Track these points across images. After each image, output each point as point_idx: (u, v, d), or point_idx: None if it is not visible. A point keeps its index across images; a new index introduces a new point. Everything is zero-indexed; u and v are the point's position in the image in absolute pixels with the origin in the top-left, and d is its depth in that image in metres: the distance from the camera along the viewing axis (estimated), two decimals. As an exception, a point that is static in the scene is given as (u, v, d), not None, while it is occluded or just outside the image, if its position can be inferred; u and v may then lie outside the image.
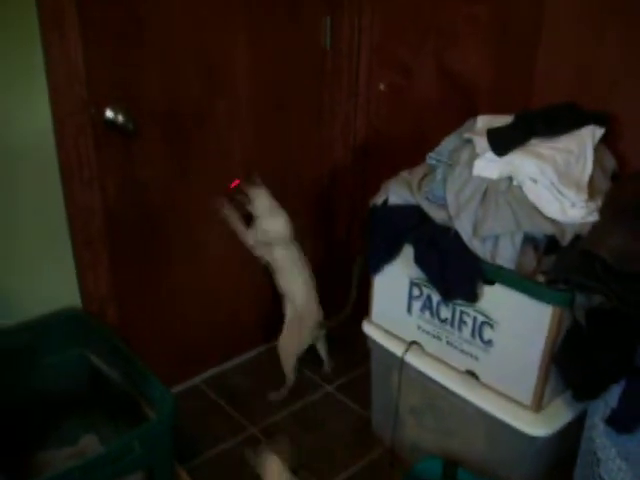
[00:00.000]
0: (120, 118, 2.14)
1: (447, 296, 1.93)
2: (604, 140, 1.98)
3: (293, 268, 2.61)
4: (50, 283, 2.23)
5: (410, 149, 2.27)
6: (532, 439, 1.88)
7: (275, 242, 2.56)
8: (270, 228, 2.55)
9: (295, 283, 2.62)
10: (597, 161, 1.92)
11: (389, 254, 2.08)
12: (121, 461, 1.80)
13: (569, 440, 1.92)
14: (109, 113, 2.14)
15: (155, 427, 1.87)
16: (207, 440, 2.47)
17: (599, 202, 1.84)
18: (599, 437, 1.72)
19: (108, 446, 1.86)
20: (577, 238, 1.77)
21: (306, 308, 2.64)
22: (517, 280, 1.78)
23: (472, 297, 1.88)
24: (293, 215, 2.57)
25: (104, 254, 2.29)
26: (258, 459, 2.08)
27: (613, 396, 1.64)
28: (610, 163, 1.99)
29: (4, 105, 1.95)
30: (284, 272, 2.61)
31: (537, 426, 1.88)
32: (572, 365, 1.73)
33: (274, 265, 2.61)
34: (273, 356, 2.74)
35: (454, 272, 1.88)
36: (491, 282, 1.85)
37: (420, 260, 1.97)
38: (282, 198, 2.65)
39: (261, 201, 2.52)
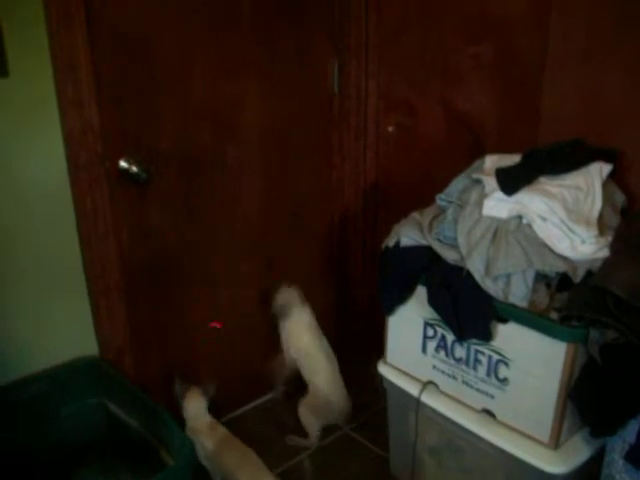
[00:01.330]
0: (134, 168, 2.19)
1: (461, 336, 1.94)
2: (612, 176, 2.00)
3: (317, 356, 2.66)
4: (67, 332, 2.25)
5: (420, 189, 2.30)
6: (550, 477, 1.87)
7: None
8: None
9: (319, 373, 2.65)
10: (606, 197, 1.94)
11: (402, 295, 2.10)
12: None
13: (588, 478, 1.91)
14: (123, 163, 2.18)
15: (175, 473, 1.88)
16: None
17: (609, 238, 1.85)
18: (618, 474, 1.71)
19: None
20: (589, 274, 1.77)
21: (332, 395, 2.66)
22: (530, 318, 1.79)
23: (486, 336, 1.89)
24: (305, 260, 2.59)
25: (120, 302, 2.31)
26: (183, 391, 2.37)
27: (631, 432, 1.64)
28: (619, 198, 2.01)
29: (20, 155, 1.99)
30: (309, 361, 2.66)
31: (555, 463, 1.87)
32: (588, 401, 1.73)
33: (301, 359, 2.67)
34: (289, 401, 2.77)
35: (467, 312, 1.89)
36: (504, 320, 1.86)
37: (433, 301, 1.98)
38: (294, 241, 2.68)
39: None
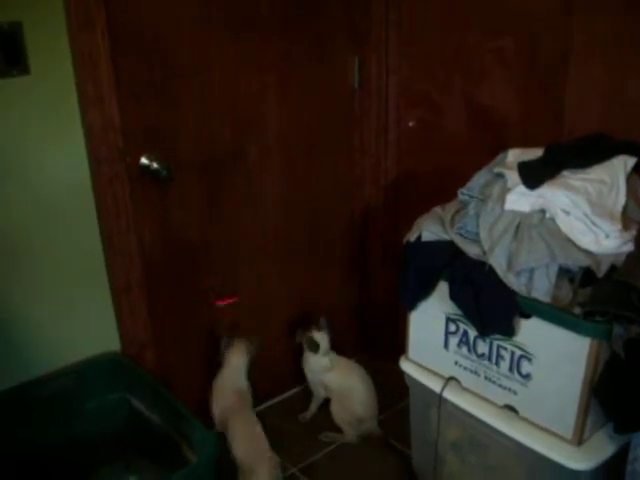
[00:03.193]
0: (155, 165, 2.20)
1: (484, 331, 1.93)
2: (637, 170, 1.98)
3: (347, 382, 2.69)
4: (90, 329, 2.27)
5: (441, 185, 2.28)
6: (574, 473, 1.86)
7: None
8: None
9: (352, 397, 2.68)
10: (630, 191, 1.91)
11: (424, 290, 2.08)
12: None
13: (613, 475, 1.89)
14: (144, 160, 2.19)
15: (198, 469, 1.88)
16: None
17: (634, 232, 1.82)
18: (644, 472, 1.69)
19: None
20: (613, 269, 1.75)
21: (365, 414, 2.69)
22: (553, 313, 1.77)
23: (509, 331, 1.87)
24: (325, 259, 2.59)
25: (142, 298, 2.33)
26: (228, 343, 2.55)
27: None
28: (644, 193, 1.99)
29: (41, 152, 2.01)
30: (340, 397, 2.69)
31: (579, 460, 1.85)
32: (612, 397, 1.71)
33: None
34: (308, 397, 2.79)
35: (490, 307, 1.88)
36: (527, 316, 1.84)
37: (455, 296, 1.97)
38: (314, 240, 2.67)
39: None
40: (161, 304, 2.42)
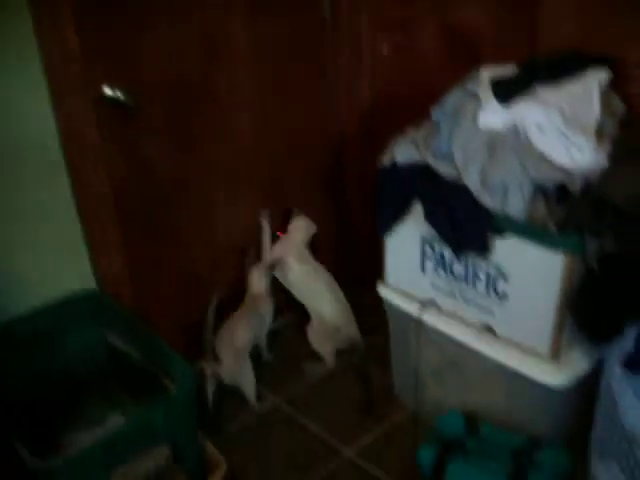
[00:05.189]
0: (119, 94, 2.13)
1: (459, 250, 1.91)
2: (613, 86, 1.94)
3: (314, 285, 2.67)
4: (66, 267, 2.23)
5: (416, 108, 2.23)
6: (551, 389, 1.87)
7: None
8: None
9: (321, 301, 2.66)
10: (605, 106, 1.88)
11: (398, 213, 2.06)
12: (143, 435, 1.83)
13: (589, 393, 1.91)
14: (107, 90, 2.11)
15: (176, 400, 1.88)
16: (230, 414, 2.48)
17: (608, 147, 1.80)
18: (617, 382, 1.69)
19: (130, 420, 1.87)
20: (587, 184, 1.74)
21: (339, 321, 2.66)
22: (528, 229, 1.76)
23: (483, 249, 1.86)
24: (302, 188, 2.56)
25: (116, 234, 2.28)
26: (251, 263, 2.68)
27: (629, 340, 1.62)
28: (618, 108, 1.95)
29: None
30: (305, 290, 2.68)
31: (555, 376, 1.86)
32: (586, 311, 1.71)
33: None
34: (290, 328, 2.80)
35: (464, 226, 1.86)
36: (501, 232, 1.83)
37: (430, 217, 1.95)
38: (289, 168, 2.63)
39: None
40: (136, 239, 2.38)
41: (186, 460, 2.00)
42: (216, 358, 2.40)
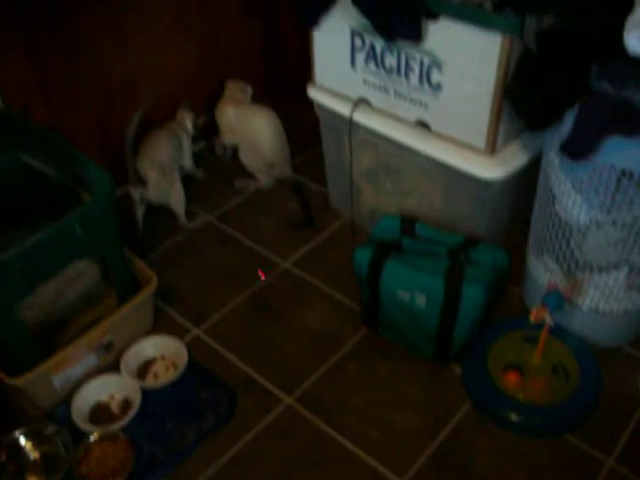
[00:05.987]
0: None
1: (390, 36, 1.75)
2: None
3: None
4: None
5: None
6: (487, 183, 1.81)
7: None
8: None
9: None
10: None
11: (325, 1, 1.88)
12: (62, 244, 1.75)
13: (526, 191, 1.85)
14: None
15: (93, 207, 1.77)
16: (161, 234, 2.39)
17: None
18: (554, 173, 1.64)
19: (46, 229, 1.76)
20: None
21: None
22: (463, 10, 1.61)
23: (416, 34, 1.70)
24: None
25: (15, 41, 2.06)
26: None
27: (566, 126, 1.53)
28: None
29: None
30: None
31: (492, 169, 1.79)
32: (524, 93, 1.60)
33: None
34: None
35: (395, 8, 1.69)
36: (435, 16, 1.67)
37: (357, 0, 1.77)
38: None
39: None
40: (46, 52, 2.15)
41: (114, 276, 1.93)
42: (142, 181, 2.29)
